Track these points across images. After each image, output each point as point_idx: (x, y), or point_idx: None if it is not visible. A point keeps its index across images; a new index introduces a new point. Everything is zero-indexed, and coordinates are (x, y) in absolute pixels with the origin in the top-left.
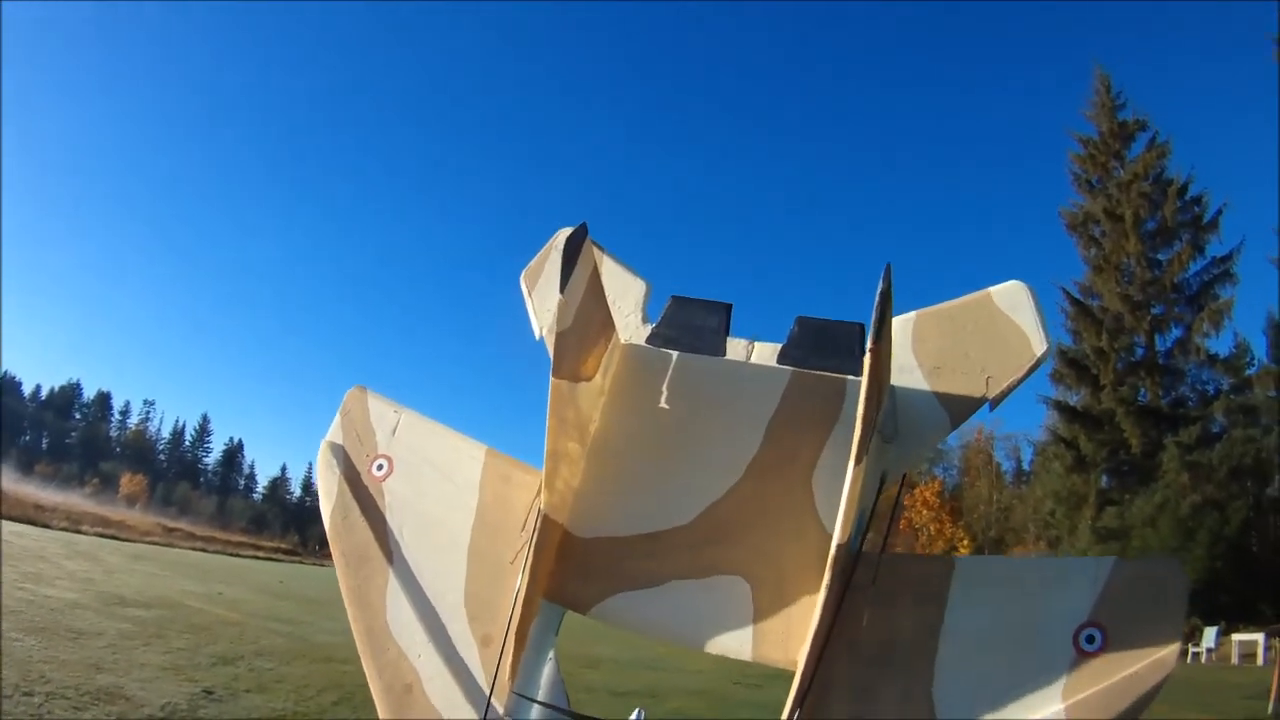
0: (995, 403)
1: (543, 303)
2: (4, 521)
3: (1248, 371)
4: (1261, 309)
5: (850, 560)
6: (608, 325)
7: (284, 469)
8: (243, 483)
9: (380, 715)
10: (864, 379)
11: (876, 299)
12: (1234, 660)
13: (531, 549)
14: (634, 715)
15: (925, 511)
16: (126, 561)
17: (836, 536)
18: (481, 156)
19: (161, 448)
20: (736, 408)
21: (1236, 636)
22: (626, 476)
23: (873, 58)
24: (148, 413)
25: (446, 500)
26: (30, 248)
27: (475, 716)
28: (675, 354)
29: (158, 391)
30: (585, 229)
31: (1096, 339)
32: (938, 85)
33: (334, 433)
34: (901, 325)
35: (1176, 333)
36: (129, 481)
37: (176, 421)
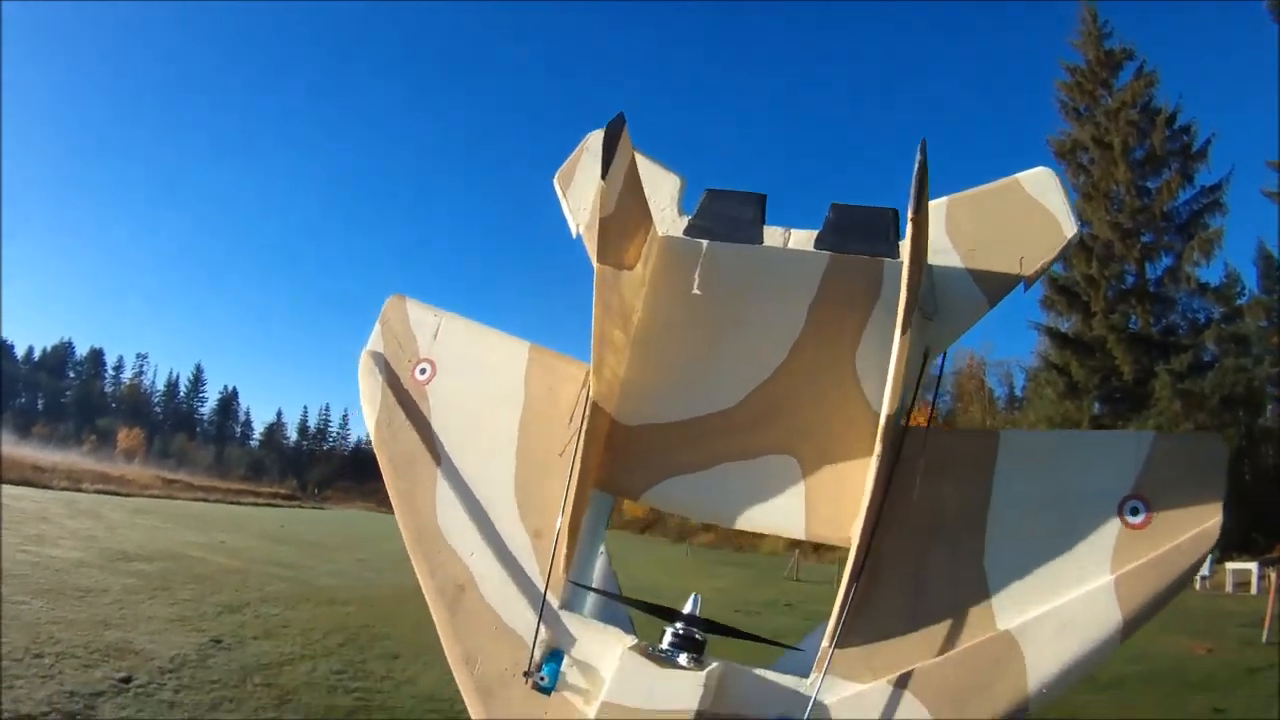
0: (1030, 282)
1: (577, 202)
2: (4, 485)
3: (1238, 301)
4: (1252, 238)
5: (899, 433)
6: (646, 216)
7: (279, 414)
8: (239, 430)
9: (435, 616)
10: (906, 248)
11: (915, 171)
12: (1228, 589)
13: (581, 438)
14: (690, 599)
15: None
16: (128, 517)
17: (885, 408)
18: (487, 54)
19: (157, 400)
20: (777, 292)
21: (1230, 565)
22: (671, 364)
23: None
24: (141, 366)
25: (491, 398)
26: (12, 211)
27: (531, 610)
28: (713, 243)
29: (150, 344)
30: (623, 118)
31: (1087, 266)
32: (930, 11)
33: (374, 341)
34: (935, 209)
35: (1167, 261)
36: (126, 436)
37: (170, 373)
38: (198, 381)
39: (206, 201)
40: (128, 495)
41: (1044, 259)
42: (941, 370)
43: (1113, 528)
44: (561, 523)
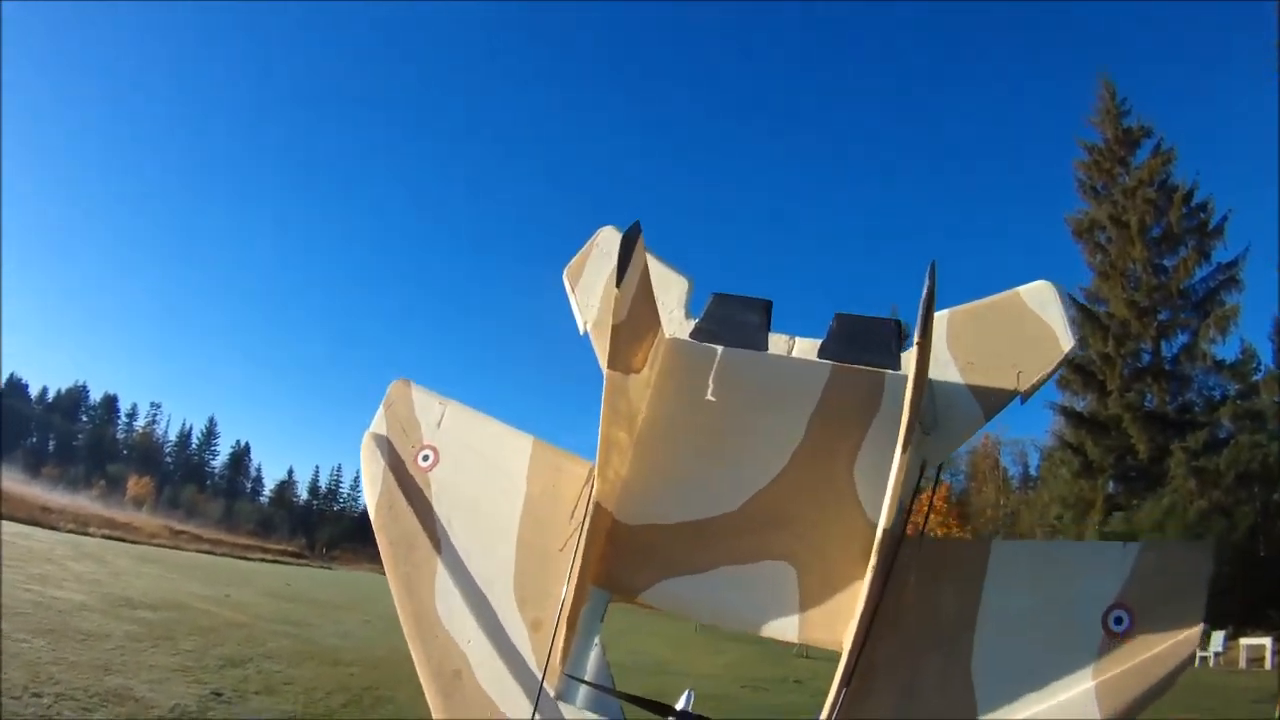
0: (1026, 396)
1: (586, 298)
2: (11, 523)
3: (1254, 377)
4: (1267, 315)
5: (894, 545)
6: (655, 319)
7: (290, 472)
8: (249, 485)
9: (430, 701)
10: (910, 370)
11: (923, 295)
12: (1241, 664)
13: (584, 534)
14: (684, 696)
15: (932, 516)
16: (133, 564)
17: (882, 523)
18: (495, 157)
19: (168, 450)
20: (780, 400)
21: (1244, 641)
22: (673, 466)
23: (882, 63)
24: (154, 415)
25: (494, 490)
26: (33, 248)
27: (525, 699)
28: (719, 348)
29: (164, 394)
30: (639, 226)
31: (1103, 345)
32: (946, 92)
33: (377, 424)
34: (937, 321)
35: (1183, 338)
36: (136, 484)
37: (183, 424)
38: (210, 434)
39: (229, 267)
40: (134, 542)
41: (1041, 373)
42: (936, 482)
43: (1096, 636)
44: (560, 616)
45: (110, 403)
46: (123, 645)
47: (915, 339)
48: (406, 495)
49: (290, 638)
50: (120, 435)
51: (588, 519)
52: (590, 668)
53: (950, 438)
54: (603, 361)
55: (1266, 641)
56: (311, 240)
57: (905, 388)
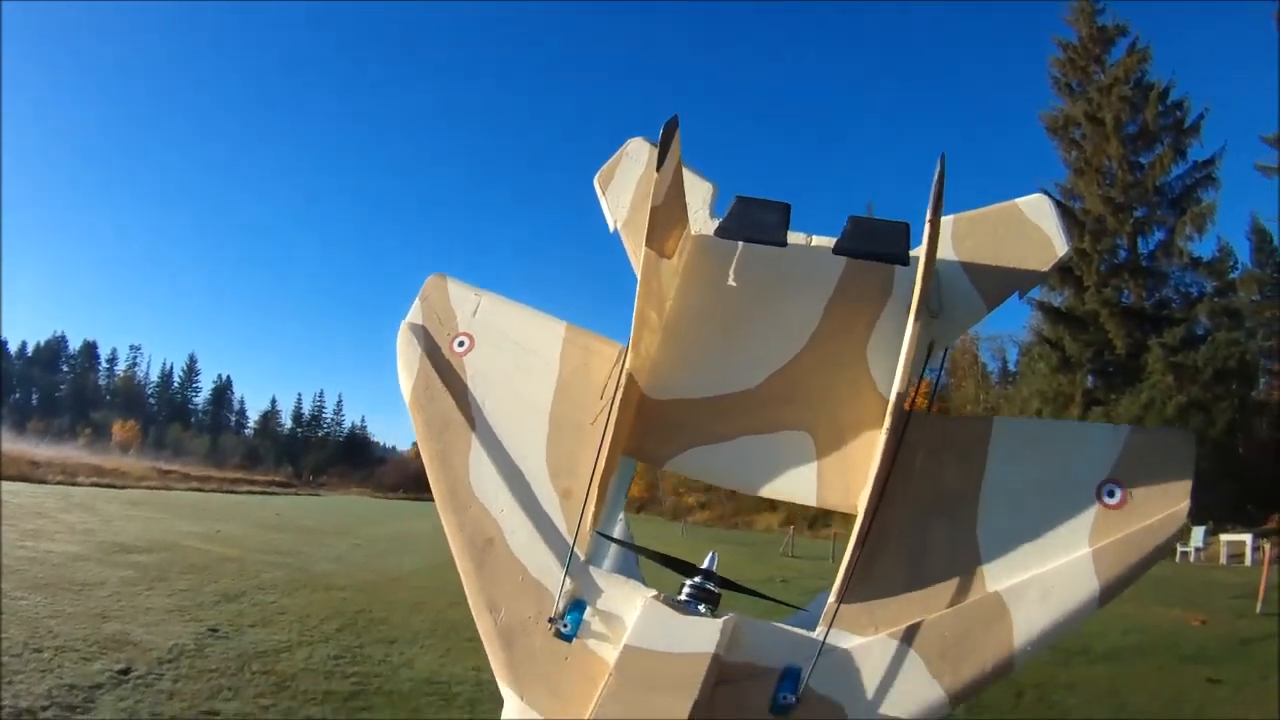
0: (1024, 292)
1: (616, 201)
2: (1, 481)
3: (1231, 275)
4: (1245, 213)
5: (904, 416)
6: (685, 213)
7: (274, 402)
8: (234, 419)
9: (461, 569)
10: (923, 247)
11: (935, 181)
12: (1222, 560)
13: (615, 405)
14: (708, 556)
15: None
16: (124, 509)
17: (896, 387)
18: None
19: (151, 392)
20: (798, 288)
21: (1224, 537)
22: (698, 348)
23: None
24: (134, 358)
25: (527, 371)
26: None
27: (555, 563)
28: (741, 243)
29: (143, 336)
30: (677, 120)
31: (1080, 241)
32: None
33: (414, 315)
34: (943, 224)
35: (1159, 235)
36: (121, 429)
37: (164, 364)
38: (191, 371)
39: (193, 191)
40: (123, 487)
41: (1037, 273)
42: (942, 365)
43: (1091, 508)
44: (592, 481)
45: (90, 350)
46: (118, 591)
47: (927, 219)
48: (442, 378)
49: (282, 568)
50: (102, 382)
51: (620, 390)
52: (616, 532)
53: (955, 324)
54: (633, 258)
55: (1247, 538)
56: (282, 166)
57: (915, 276)
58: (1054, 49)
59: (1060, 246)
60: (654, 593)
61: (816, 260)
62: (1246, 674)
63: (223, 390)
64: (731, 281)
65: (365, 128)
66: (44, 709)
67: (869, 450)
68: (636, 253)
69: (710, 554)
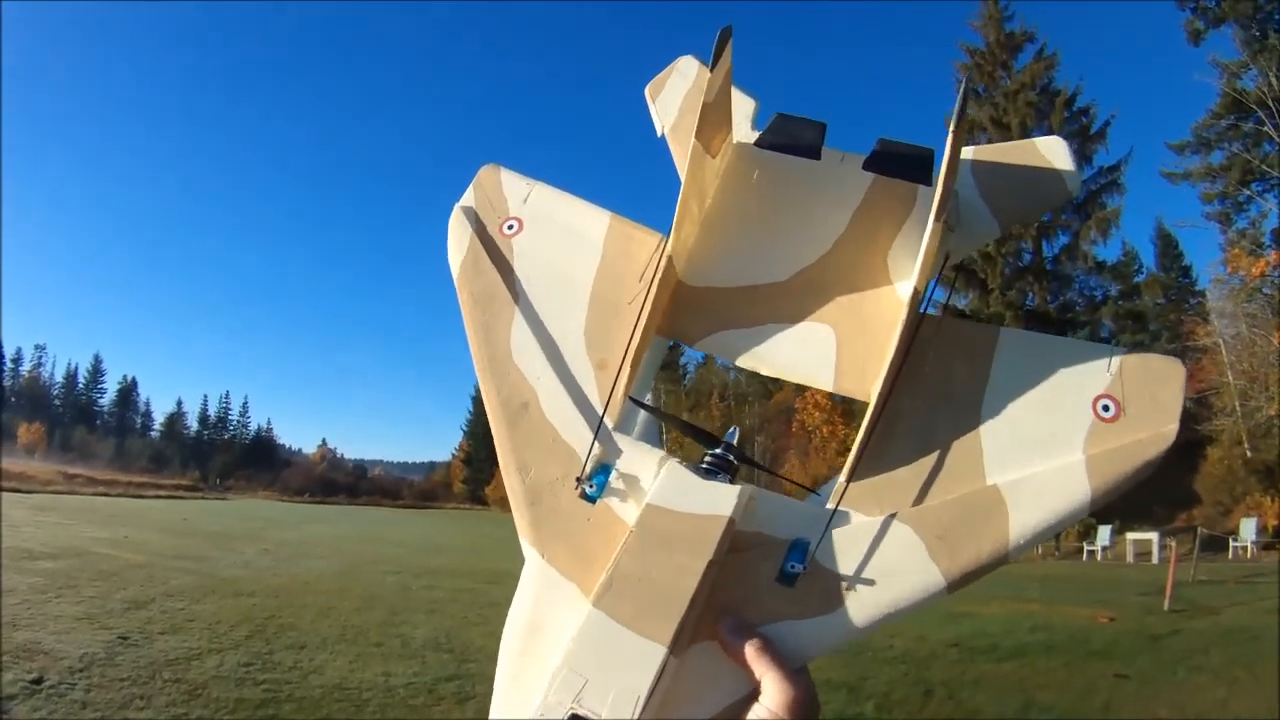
0: (1033, 220)
1: (664, 108)
2: None
3: (1136, 278)
4: (1150, 217)
5: (918, 315)
6: (730, 118)
7: (180, 404)
8: (139, 421)
9: (495, 432)
10: (947, 152)
11: (960, 92)
12: (1129, 559)
13: (655, 285)
14: (730, 430)
15: (817, 414)
16: (30, 514)
17: (914, 281)
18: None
19: (56, 393)
20: (828, 197)
21: (1131, 535)
22: (733, 242)
23: None
24: (40, 358)
25: (572, 253)
26: None
27: (585, 428)
28: (778, 154)
29: (48, 335)
30: (731, 29)
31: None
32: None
33: (467, 199)
34: (962, 152)
35: (1064, 239)
36: (27, 431)
37: (69, 364)
38: (96, 372)
39: (94, 188)
40: (29, 492)
41: (1048, 205)
42: (955, 277)
43: (1087, 418)
44: (627, 352)
45: None
46: (27, 599)
47: (953, 123)
48: (490, 256)
49: (191, 574)
50: (7, 383)
51: (660, 273)
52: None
53: (970, 240)
54: (678, 161)
55: (1153, 536)
56: (180, 163)
57: (935, 192)
58: (960, 54)
59: (1073, 185)
60: (677, 459)
61: (846, 174)
62: (1154, 669)
63: (128, 391)
64: (767, 185)
65: (256, 116)
66: None
67: (885, 346)
68: (682, 155)
69: (733, 428)
